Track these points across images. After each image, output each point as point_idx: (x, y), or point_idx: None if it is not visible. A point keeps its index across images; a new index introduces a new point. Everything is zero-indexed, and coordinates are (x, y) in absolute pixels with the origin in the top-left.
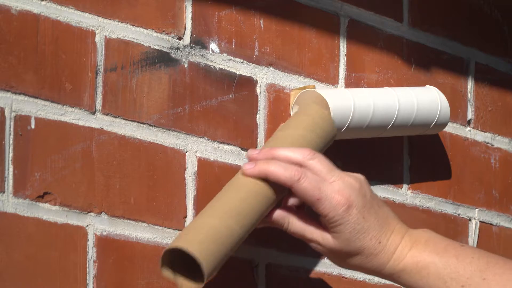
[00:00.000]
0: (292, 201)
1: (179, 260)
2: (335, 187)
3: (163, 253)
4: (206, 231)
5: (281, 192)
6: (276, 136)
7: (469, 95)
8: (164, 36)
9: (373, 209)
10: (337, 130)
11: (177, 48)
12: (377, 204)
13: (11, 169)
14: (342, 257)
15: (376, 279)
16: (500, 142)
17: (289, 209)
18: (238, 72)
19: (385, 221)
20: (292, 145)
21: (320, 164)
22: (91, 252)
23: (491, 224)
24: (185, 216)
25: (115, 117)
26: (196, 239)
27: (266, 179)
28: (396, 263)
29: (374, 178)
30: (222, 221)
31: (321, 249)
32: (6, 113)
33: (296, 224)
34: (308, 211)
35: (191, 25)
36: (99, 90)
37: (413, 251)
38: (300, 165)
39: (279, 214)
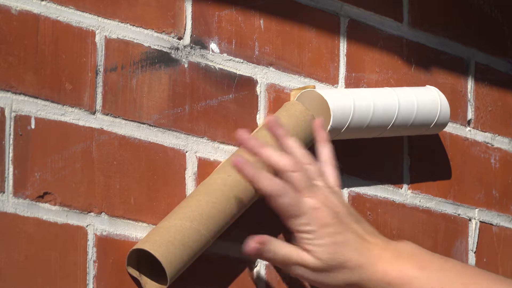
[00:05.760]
0: None
1: (145, 259)
2: (311, 203)
3: (129, 253)
4: (173, 234)
5: (253, 198)
6: (258, 134)
7: (469, 95)
8: (164, 36)
9: (349, 225)
10: (337, 130)
11: (177, 48)
12: (355, 220)
13: (11, 169)
14: (327, 274)
15: None
16: (500, 142)
17: (266, 237)
18: (238, 72)
19: (364, 235)
20: (273, 145)
21: (300, 177)
22: (91, 252)
23: (491, 224)
24: None
25: (115, 117)
26: (162, 242)
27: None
28: (381, 276)
29: (374, 178)
30: (191, 224)
31: (305, 273)
32: (6, 113)
33: (282, 250)
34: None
35: (191, 25)
36: (99, 90)
37: (396, 265)
38: (282, 172)
39: (261, 241)
